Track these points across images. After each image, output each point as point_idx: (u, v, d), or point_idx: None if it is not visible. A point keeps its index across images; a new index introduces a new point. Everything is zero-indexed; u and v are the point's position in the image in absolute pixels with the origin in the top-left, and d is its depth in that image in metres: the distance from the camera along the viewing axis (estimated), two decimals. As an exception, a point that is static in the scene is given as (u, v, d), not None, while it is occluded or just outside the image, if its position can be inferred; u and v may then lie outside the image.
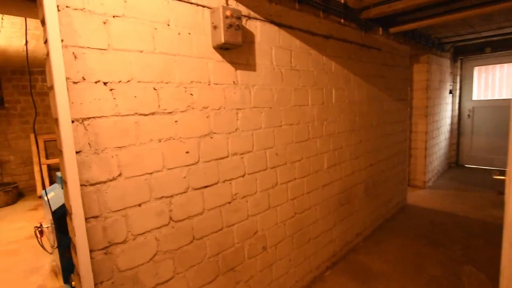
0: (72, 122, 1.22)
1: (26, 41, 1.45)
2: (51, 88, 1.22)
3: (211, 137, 1.74)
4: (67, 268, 2.68)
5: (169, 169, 1.54)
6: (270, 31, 2.07)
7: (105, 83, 1.31)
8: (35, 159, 5.82)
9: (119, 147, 1.36)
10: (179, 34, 1.56)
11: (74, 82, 1.22)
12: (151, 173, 1.48)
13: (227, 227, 1.86)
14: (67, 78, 1.20)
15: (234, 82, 1.85)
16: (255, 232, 2.04)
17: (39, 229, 2.88)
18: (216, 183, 1.77)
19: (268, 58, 2.06)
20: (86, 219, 1.28)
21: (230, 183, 1.85)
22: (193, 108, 1.64)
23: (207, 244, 1.75)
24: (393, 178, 3.95)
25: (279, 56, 2.14)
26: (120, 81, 1.35)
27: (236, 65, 1.86)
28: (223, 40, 1.65)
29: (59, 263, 2.74)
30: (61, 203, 2.56)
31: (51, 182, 5.95)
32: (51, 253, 2.84)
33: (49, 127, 6.06)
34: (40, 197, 5.48)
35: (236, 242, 1.92)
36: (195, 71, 1.64)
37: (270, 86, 2.09)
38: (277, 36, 2.12)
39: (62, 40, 1.18)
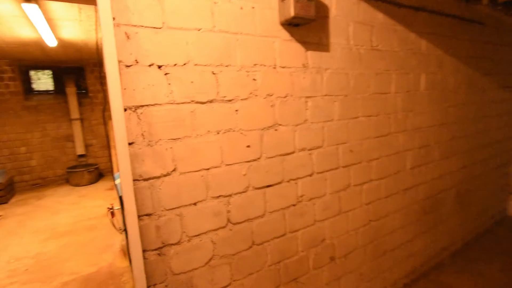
0: (125, 110, 1.10)
1: (97, 31, 1.38)
2: (105, 74, 1.12)
3: (276, 130, 1.50)
4: (133, 252, 2.77)
5: (227, 165, 1.36)
6: (348, 2, 1.72)
7: (159, 67, 1.16)
8: (111, 144, 6.38)
9: (174, 139, 1.21)
10: (241, 8, 1.34)
11: (127, 66, 1.10)
12: (208, 169, 1.31)
13: (290, 232, 1.62)
14: (119, 61, 1.08)
15: (303, 65, 1.57)
16: (323, 240, 1.77)
17: (111, 210, 3.06)
18: (280, 183, 1.54)
19: (344, 36, 1.73)
20: (139, 216, 1.17)
21: (296, 183, 1.60)
22: (256, 96, 1.42)
23: (268, 250, 1.55)
24: (492, 183, 3.23)
25: (358, 33, 1.78)
26: (175, 64, 1.19)
27: (307, 44, 1.57)
28: (292, 14, 1.37)
29: (126, 244, 2.87)
30: (127, 189, 2.62)
31: (125, 165, 6.47)
32: (121, 233, 2.98)
33: (124, 115, 6.56)
34: (116, 179, 6.00)
35: (300, 250, 1.67)
36: (259, 52, 1.41)
37: (346, 69, 1.75)
38: (356, 8, 1.76)
39: (113, 18, 1.05)
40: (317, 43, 1.62)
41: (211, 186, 1.33)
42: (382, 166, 2.03)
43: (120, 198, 2.64)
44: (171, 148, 1.21)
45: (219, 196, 1.35)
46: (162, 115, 1.18)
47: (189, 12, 1.21)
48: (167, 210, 1.23)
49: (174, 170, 1.23)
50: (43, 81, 5.99)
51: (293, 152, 1.57)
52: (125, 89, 1.09)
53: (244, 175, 1.42)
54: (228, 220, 1.39)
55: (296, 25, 1.51)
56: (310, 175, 1.66)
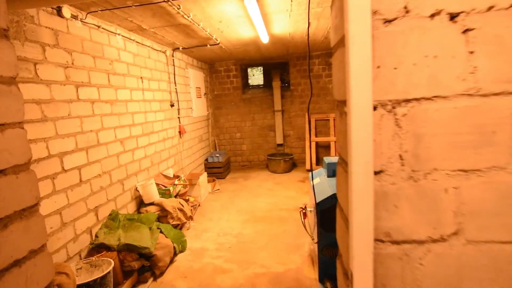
0: (374, 108, 0.57)
1: (308, 15, 0.96)
2: (338, 44, 0.63)
3: None
4: (323, 267, 2.42)
5: None
6: None
7: (452, 17, 0.54)
8: (307, 136, 6.45)
9: (465, 172, 0.57)
10: None
11: (386, 21, 0.55)
12: (535, 243, 0.59)
13: None
14: (374, 13, 0.55)
15: None
16: None
17: (303, 211, 2.84)
18: None
19: None
20: (373, 301, 0.64)
21: None
22: None
23: None
24: None
25: None
26: (491, 8, 0.54)
27: None
28: None
29: (315, 254, 2.55)
30: (325, 196, 2.28)
31: (317, 159, 6.41)
32: (311, 237, 2.71)
33: (320, 107, 6.46)
34: (308, 170, 6.01)
35: None
36: None
37: None
38: None
39: None
40: None
41: (536, 281, 0.60)
42: None
43: (317, 205, 2.31)
44: (455, 188, 0.58)
45: (555, 305, 0.60)
46: (446, 120, 0.56)
47: None
48: (429, 305, 0.63)
49: (455, 233, 0.59)
50: (256, 77, 6.81)
51: None
52: (378, 67, 0.56)
53: None
54: None
55: None
56: None
